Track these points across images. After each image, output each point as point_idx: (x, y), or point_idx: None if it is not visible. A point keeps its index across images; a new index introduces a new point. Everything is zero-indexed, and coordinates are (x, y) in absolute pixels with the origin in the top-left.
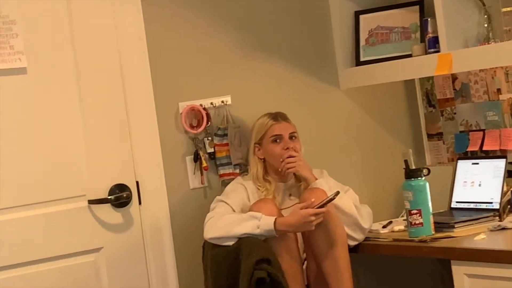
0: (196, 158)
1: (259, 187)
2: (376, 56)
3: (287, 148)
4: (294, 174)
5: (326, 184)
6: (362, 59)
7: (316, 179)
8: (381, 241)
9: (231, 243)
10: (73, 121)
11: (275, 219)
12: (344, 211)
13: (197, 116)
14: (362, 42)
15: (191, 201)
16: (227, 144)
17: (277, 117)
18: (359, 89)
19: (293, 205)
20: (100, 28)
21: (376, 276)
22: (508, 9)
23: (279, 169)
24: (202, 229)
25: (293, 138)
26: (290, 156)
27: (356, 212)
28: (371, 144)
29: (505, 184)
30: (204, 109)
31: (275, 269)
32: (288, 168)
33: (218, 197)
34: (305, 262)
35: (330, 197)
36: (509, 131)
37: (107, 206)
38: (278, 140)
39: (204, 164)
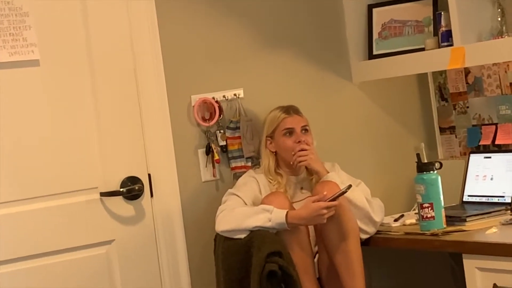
0: (208, 151)
1: (270, 180)
2: (389, 49)
3: (299, 141)
4: (306, 167)
5: (337, 177)
6: (375, 52)
7: (328, 172)
8: (392, 234)
9: (242, 236)
10: (85, 114)
11: (287, 212)
12: (355, 204)
13: (209, 109)
14: (375, 36)
15: (203, 193)
16: (239, 137)
17: (289, 110)
18: (371, 82)
19: (304, 198)
20: (113, 20)
21: (387, 269)
22: None
23: (291, 162)
24: (213, 222)
25: (305, 131)
26: (302, 150)
27: (367, 206)
28: (384, 137)
29: None
30: (217, 102)
31: (286, 262)
32: (299, 162)
33: (229, 190)
34: (317, 255)
35: (343, 190)
36: None
37: (119, 199)
38: (290, 134)
39: (216, 157)
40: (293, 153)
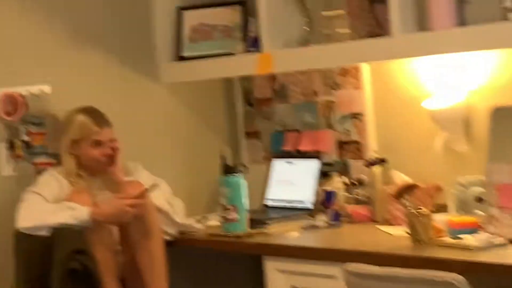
0: (11, 146)
1: (72, 182)
2: (198, 52)
3: (106, 154)
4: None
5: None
6: (184, 54)
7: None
8: (196, 235)
9: (45, 233)
10: None
11: (91, 209)
12: (156, 207)
13: (13, 103)
14: (184, 38)
15: (3, 188)
16: (43, 133)
17: (100, 122)
18: (179, 84)
19: (104, 200)
20: None
21: (190, 270)
22: (329, 13)
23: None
24: (12, 218)
25: (112, 141)
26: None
27: (168, 208)
28: (189, 139)
29: (318, 184)
30: (22, 96)
31: (89, 260)
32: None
33: (30, 188)
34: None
35: (147, 188)
36: (324, 132)
37: None
38: (98, 145)
39: (19, 152)
40: (99, 161)
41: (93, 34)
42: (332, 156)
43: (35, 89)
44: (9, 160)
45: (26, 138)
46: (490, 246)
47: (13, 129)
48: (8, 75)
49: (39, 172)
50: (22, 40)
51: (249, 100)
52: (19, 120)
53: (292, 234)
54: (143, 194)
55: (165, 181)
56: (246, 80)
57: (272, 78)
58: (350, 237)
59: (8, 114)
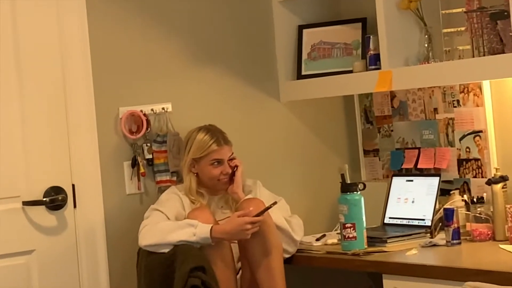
0: (134, 164)
1: (193, 201)
2: (317, 70)
3: (226, 173)
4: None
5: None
6: (303, 73)
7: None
8: (314, 253)
9: (166, 250)
10: (11, 121)
11: (212, 226)
12: (276, 225)
13: (137, 121)
14: (304, 56)
15: (127, 206)
16: (165, 151)
17: (220, 140)
18: (299, 102)
19: (225, 218)
20: (43, 29)
21: (308, 287)
22: (449, 30)
23: (214, 187)
24: (136, 235)
25: (232, 159)
26: (227, 173)
27: (287, 226)
28: (308, 157)
29: (437, 202)
30: (145, 115)
31: (209, 277)
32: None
33: (152, 206)
34: (240, 271)
35: (268, 206)
36: (444, 150)
37: (42, 208)
38: (217, 163)
39: (142, 170)
40: (218, 179)
41: (215, 53)
42: (452, 173)
43: (157, 107)
44: (132, 179)
45: (148, 156)
46: None
47: (136, 148)
48: (131, 95)
49: (161, 190)
50: (147, 60)
51: (368, 118)
52: (142, 138)
53: (411, 252)
54: (262, 212)
55: (284, 198)
56: (366, 98)
57: (392, 95)
58: (470, 255)
59: (132, 132)
